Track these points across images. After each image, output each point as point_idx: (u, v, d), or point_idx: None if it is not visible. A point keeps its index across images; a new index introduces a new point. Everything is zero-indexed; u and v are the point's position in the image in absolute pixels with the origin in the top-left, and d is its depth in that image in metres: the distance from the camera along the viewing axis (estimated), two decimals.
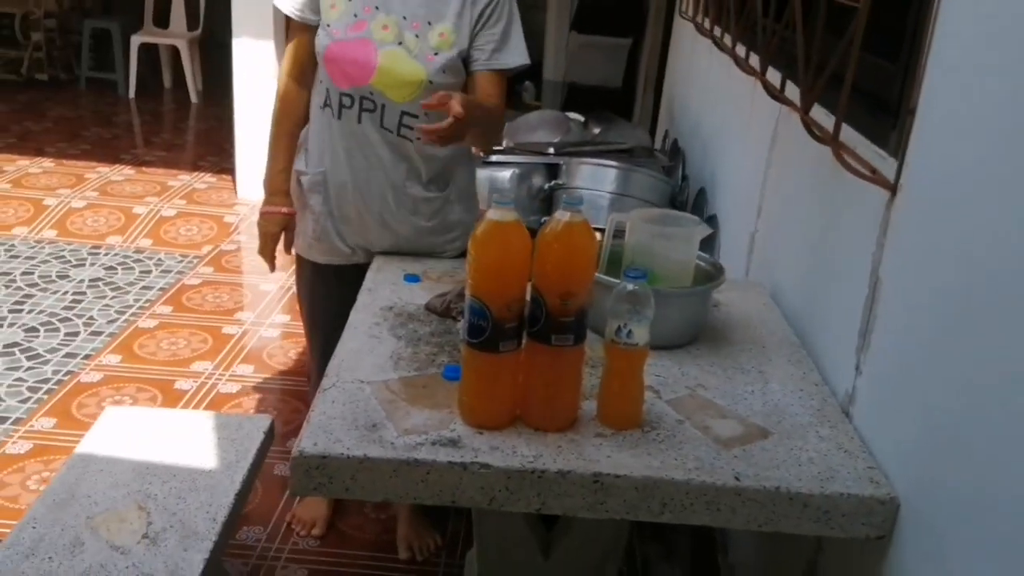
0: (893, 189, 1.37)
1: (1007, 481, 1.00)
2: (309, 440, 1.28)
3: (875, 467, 1.31)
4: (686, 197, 3.17)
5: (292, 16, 1.93)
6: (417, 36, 1.86)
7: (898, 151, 1.37)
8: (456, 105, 1.63)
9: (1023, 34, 1.05)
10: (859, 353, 1.45)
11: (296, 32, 1.96)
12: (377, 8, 1.86)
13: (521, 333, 1.30)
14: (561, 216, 1.27)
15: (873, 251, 1.42)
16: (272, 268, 2.15)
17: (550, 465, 1.26)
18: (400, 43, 1.86)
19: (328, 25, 1.87)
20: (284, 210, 2.06)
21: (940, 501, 1.15)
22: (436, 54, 1.87)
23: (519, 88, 6.56)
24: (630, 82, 5.68)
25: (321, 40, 1.89)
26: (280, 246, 2.12)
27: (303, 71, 1.98)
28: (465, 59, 1.91)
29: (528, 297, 1.29)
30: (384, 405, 1.37)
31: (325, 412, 1.35)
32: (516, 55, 1.93)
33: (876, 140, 1.47)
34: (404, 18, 1.86)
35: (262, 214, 2.08)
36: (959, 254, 1.16)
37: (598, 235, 1.71)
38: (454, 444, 1.29)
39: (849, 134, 1.56)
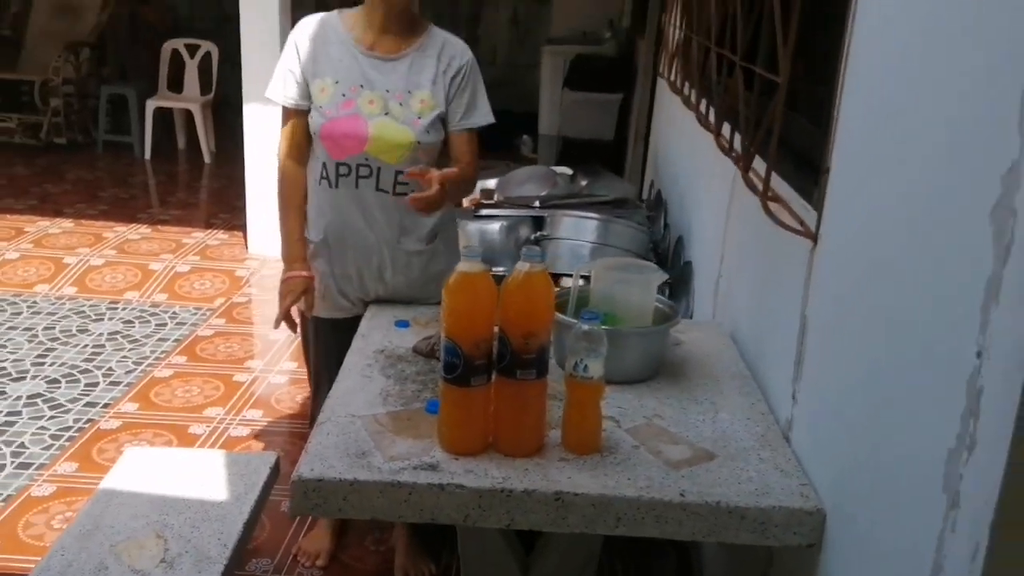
0: (815, 239, 1.56)
1: (905, 490, 1.18)
2: (306, 466, 1.47)
3: (807, 484, 1.49)
4: (668, 245, 3.37)
5: (285, 104, 2.16)
6: (401, 105, 2.10)
7: (819, 205, 1.56)
8: (435, 179, 1.93)
9: (908, 113, 1.26)
10: (794, 384, 1.64)
11: (290, 117, 2.18)
12: (362, 86, 2.10)
13: (490, 369, 1.49)
14: (522, 267, 1.46)
15: (802, 293, 1.61)
16: (291, 327, 2.26)
17: (517, 485, 1.44)
18: (387, 113, 2.09)
19: (321, 107, 2.11)
20: (305, 274, 2.23)
21: (858, 511, 1.32)
22: (419, 118, 2.11)
23: (517, 142, 6.84)
24: (622, 135, 5.93)
25: (315, 120, 2.11)
26: (300, 306, 2.24)
27: (300, 150, 2.19)
28: (443, 120, 2.15)
29: (495, 337, 1.48)
30: (373, 436, 1.56)
31: (321, 442, 1.53)
32: (483, 116, 2.19)
33: (804, 195, 1.67)
34: (387, 91, 2.10)
35: (286, 280, 2.22)
36: (863, 295, 1.35)
37: (569, 281, 1.92)
38: (433, 468, 1.47)
39: (786, 190, 1.76)
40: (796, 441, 1.61)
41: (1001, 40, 0.97)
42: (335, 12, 2.20)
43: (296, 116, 2.17)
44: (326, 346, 2.31)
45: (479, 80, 2.20)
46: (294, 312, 2.26)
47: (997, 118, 0.95)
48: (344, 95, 2.10)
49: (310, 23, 2.18)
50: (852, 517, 1.33)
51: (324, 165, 2.15)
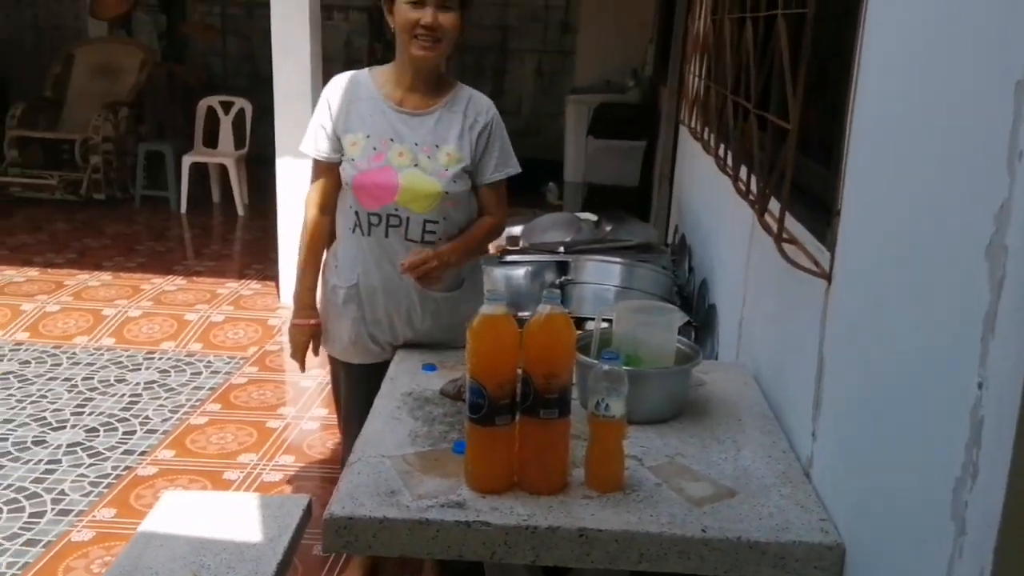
0: (829, 278, 1.61)
1: (918, 520, 1.21)
2: (338, 505, 1.52)
3: (827, 519, 1.51)
4: (692, 288, 3.41)
5: (318, 158, 2.27)
6: (429, 157, 2.20)
7: (832, 246, 1.61)
8: (433, 262, 2.16)
9: (909, 156, 1.31)
10: (813, 421, 1.67)
11: (321, 170, 2.29)
12: (392, 140, 2.20)
13: (514, 409, 1.54)
14: (543, 309, 1.52)
15: (818, 332, 1.65)
16: (303, 369, 2.46)
17: (541, 522, 1.48)
18: (416, 165, 2.19)
19: (353, 160, 2.20)
20: (312, 322, 2.38)
21: (875, 543, 1.35)
22: (447, 170, 2.20)
23: (543, 189, 6.95)
24: (647, 181, 6.01)
25: (348, 172, 2.21)
26: (310, 351, 2.43)
27: (327, 201, 2.30)
28: (470, 172, 2.25)
29: (519, 378, 1.54)
30: (401, 475, 1.61)
31: (351, 481, 1.59)
32: (511, 167, 2.31)
33: (818, 237, 1.71)
34: (416, 144, 2.20)
35: (294, 325, 2.40)
36: (874, 332, 1.39)
37: (590, 325, 1.98)
38: (460, 506, 1.52)
39: (801, 232, 1.81)
40: (816, 477, 1.64)
41: (990, 87, 1.02)
42: (366, 70, 2.31)
43: (326, 169, 2.27)
44: (357, 391, 2.37)
45: (504, 133, 2.30)
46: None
47: (988, 160, 1.00)
48: (375, 148, 2.19)
49: (342, 80, 2.28)
50: (870, 550, 1.36)
51: (357, 214, 2.24)
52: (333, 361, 2.47)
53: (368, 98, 2.24)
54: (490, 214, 2.32)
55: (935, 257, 1.16)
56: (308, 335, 2.39)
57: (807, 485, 1.63)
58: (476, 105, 2.27)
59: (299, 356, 2.42)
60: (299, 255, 2.37)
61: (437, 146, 2.20)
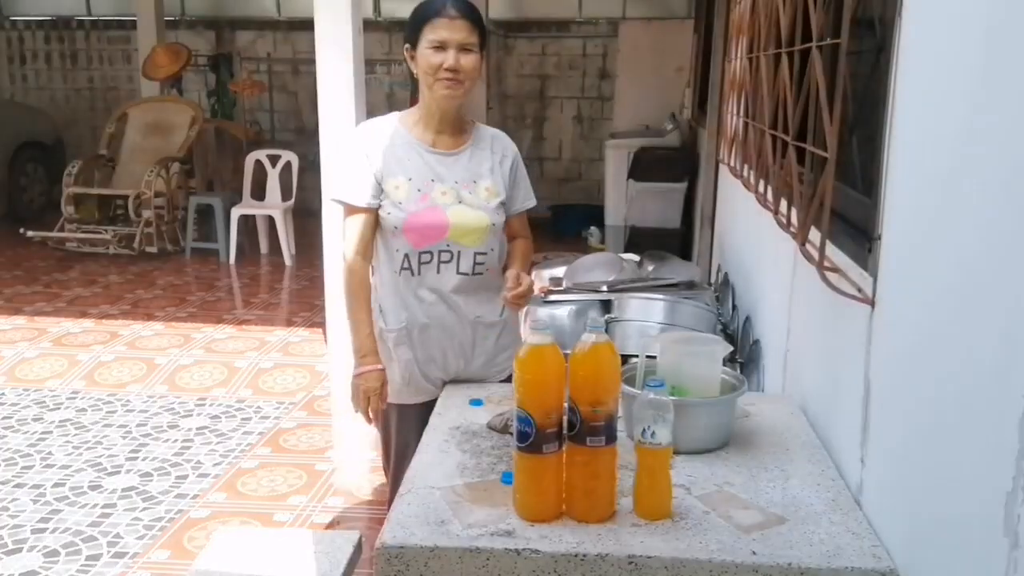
0: (872, 303, 1.61)
1: (971, 538, 1.20)
2: (389, 534, 1.54)
3: (879, 545, 1.50)
4: (736, 325, 3.41)
5: (360, 204, 2.26)
6: (470, 193, 2.29)
7: (874, 271, 1.62)
8: (528, 281, 2.27)
9: (947, 179, 1.33)
10: (862, 447, 1.66)
11: (361, 217, 2.27)
12: (433, 180, 2.27)
13: (561, 437, 1.56)
14: (587, 339, 1.55)
15: (864, 357, 1.66)
16: (372, 420, 2.36)
17: (591, 549, 1.49)
18: (460, 201, 2.27)
19: (399, 203, 2.25)
20: (380, 367, 2.31)
21: (930, 567, 1.33)
22: (488, 203, 2.30)
23: (585, 233, 7.00)
24: (689, 222, 6.02)
25: (396, 216, 2.24)
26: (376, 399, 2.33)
27: (368, 247, 2.31)
28: (504, 204, 2.36)
29: (565, 407, 1.56)
30: (451, 505, 1.63)
31: (402, 512, 1.61)
32: (532, 199, 2.49)
33: (859, 263, 1.72)
34: (456, 182, 2.28)
35: (361, 375, 2.29)
36: (919, 352, 1.40)
37: (635, 360, 1.99)
38: (509, 535, 1.53)
39: (843, 260, 1.82)
40: (867, 504, 1.63)
41: None
42: (393, 115, 2.38)
43: (367, 215, 2.28)
44: (410, 430, 2.33)
45: (524, 167, 2.48)
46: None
47: None
48: (419, 190, 2.26)
49: (373, 128, 2.34)
50: (924, 574, 1.34)
51: (407, 256, 2.27)
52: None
53: (403, 143, 2.30)
54: (524, 238, 2.48)
55: (976, 273, 1.17)
56: (379, 380, 2.30)
57: (857, 512, 1.62)
58: (501, 142, 2.41)
59: (365, 405, 2.32)
60: (350, 305, 2.32)
61: (475, 182, 2.30)
